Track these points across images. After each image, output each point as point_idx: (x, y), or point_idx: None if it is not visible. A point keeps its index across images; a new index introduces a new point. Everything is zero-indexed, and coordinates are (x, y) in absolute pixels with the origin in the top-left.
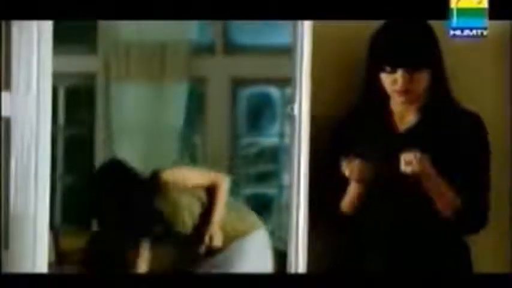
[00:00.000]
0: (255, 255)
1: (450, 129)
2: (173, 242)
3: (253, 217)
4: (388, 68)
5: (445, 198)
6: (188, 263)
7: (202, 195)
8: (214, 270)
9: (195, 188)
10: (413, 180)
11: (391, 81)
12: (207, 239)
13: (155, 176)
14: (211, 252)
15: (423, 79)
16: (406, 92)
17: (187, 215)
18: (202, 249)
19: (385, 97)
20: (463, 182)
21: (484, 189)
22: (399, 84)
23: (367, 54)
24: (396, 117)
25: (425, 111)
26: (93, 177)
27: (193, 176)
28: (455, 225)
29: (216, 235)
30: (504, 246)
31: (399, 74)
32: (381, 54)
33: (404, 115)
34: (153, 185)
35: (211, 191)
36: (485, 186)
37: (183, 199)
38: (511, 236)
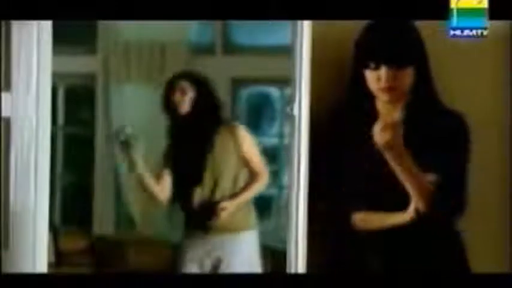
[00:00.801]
0: (245, 254)
1: (433, 129)
2: (190, 189)
3: (252, 216)
4: (372, 65)
5: (416, 181)
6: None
7: (242, 174)
8: (206, 250)
9: (242, 160)
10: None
11: (375, 78)
12: (219, 208)
13: (234, 123)
14: (210, 224)
15: (407, 77)
16: (390, 89)
17: (222, 178)
18: (208, 213)
19: (370, 96)
20: (440, 167)
21: (459, 176)
22: (383, 81)
23: (353, 52)
24: (381, 117)
25: (408, 111)
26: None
27: (252, 148)
28: (431, 212)
29: (226, 212)
30: (504, 246)
31: (383, 71)
32: (365, 51)
33: (389, 114)
34: (224, 128)
35: (251, 176)
36: (461, 173)
37: (229, 162)
38: (511, 236)
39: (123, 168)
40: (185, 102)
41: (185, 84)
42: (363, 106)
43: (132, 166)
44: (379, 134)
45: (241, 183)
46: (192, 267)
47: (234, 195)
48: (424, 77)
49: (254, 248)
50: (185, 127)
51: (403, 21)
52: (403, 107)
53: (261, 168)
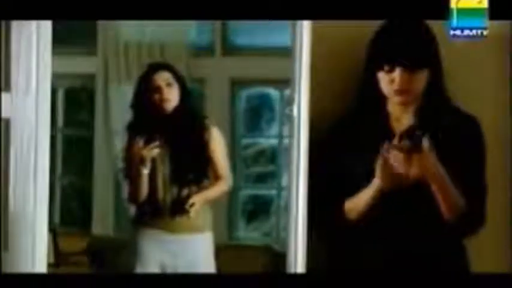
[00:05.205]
0: (205, 255)
1: (447, 132)
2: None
3: (210, 217)
4: (386, 67)
5: (450, 200)
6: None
7: (207, 173)
8: (166, 250)
9: (208, 160)
10: (420, 182)
11: (389, 80)
12: (188, 204)
13: (207, 123)
14: (176, 223)
15: (421, 79)
16: (403, 91)
17: (190, 175)
18: (177, 210)
19: (382, 98)
20: (464, 184)
21: (483, 191)
22: (396, 84)
23: (366, 54)
24: (393, 119)
25: (421, 113)
26: None
27: (220, 149)
28: (457, 227)
29: (194, 208)
30: (504, 246)
31: (397, 73)
32: (379, 53)
33: (401, 117)
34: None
35: (214, 178)
36: (484, 188)
37: (197, 159)
38: (511, 236)
39: None
40: (171, 100)
41: (168, 77)
42: (375, 108)
43: None
44: (398, 139)
45: (205, 183)
46: (153, 269)
47: (199, 193)
48: (437, 79)
49: (211, 250)
50: (170, 126)
51: (418, 22)
52: (415, 110)
53: (225, 172)
